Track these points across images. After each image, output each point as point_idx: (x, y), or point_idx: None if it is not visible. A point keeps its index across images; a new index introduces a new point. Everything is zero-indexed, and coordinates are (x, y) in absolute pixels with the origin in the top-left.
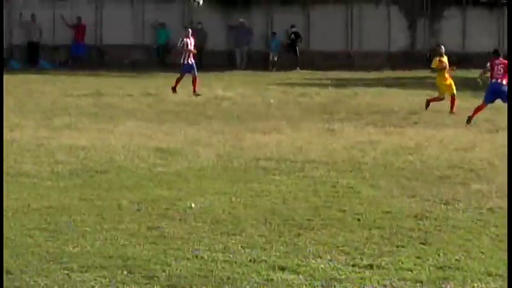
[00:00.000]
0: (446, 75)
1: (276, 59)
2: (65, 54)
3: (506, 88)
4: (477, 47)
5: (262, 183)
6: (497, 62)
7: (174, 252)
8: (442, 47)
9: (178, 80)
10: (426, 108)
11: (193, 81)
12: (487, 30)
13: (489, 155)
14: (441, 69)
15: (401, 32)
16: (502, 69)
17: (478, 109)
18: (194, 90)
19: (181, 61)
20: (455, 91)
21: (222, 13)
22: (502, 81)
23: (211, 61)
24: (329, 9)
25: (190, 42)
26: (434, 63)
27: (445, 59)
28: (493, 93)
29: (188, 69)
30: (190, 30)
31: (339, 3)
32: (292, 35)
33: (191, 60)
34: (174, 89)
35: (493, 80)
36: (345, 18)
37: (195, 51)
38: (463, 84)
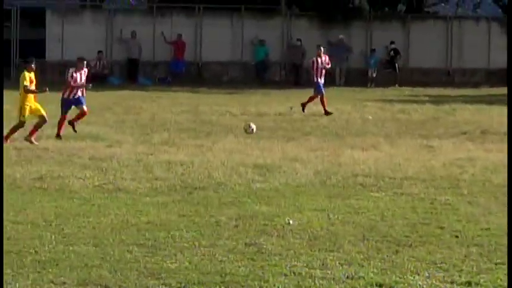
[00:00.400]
0: None
1: (374, 75)
2: (164, 71)
3: None
4: None
5: (360, 199)
6: None
7: (271, 268)
8: None
9: (310, 99)
10: None
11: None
12: None
13: None
14: None
15: (501, 49)
16: None
17: None
18: (324, 111)
19: (314, 80)
20: None
21: (322, 29)
22: None
23: (310, 77)
24: (428, 26)
25: (322, 60)
26: None
27: None
28: None
29: (319, 88)
30: (322, 48)
31: (439, 20)
32: (392, 52)
33: (321, 79)
34: (303, 107)
35: None
36: (444, 35)
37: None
38: None
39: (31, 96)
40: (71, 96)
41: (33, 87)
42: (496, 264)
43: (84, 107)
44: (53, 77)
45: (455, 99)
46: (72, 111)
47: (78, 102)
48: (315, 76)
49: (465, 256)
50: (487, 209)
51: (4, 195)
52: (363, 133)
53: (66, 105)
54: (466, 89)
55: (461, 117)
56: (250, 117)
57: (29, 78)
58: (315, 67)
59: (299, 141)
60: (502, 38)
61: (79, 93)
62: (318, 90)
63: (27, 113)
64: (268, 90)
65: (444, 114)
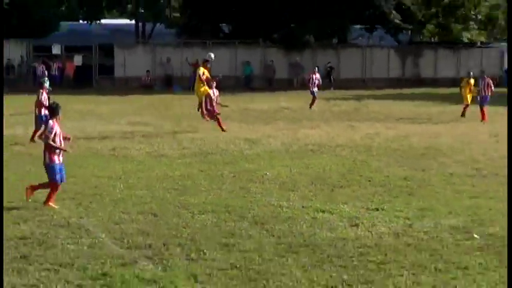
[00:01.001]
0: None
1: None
2: (188, 82)
3: None
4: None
5: (310, 159)
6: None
7: (256, 202)
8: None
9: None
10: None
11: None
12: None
13: (450, 140)
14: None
15: (396, 66)
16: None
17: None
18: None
19: (311, 89)
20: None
21: (285, 55)
22: None
23: (279, 84)
24: (351, 51)
25: (315, 76)
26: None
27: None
28: None
29: (314, 94)
30: (318, 67)
31: (358, 47)
32: (329, 68)
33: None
34: (310, 106)
35: None
36: (361, 57)
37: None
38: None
39: None
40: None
41: None
42: (394, 197)
43: None
44: (119, 87)
45: (368, 97)
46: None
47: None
48: (311, 86)
49: (374, 193)
50: (387, 164)
51: (90, 159)
52: (311, 119)
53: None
54: (374, 90)
55: (372, 108)
56: (244, 110)
57: None
58: (311, 81)
59: (272, 125)
60: (395, 60)
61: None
62: (313, 95)
63: None
64: (252, 94)
65: (362, 107)
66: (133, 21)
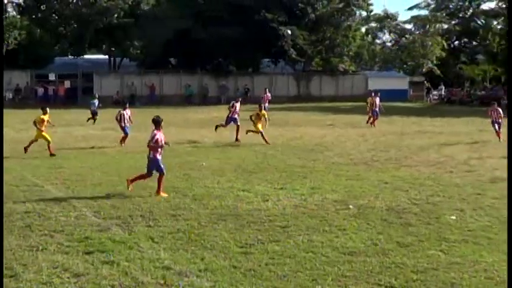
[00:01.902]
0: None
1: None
2: (147, 99)
3: None
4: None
5: (233, 153)
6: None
7: (195, 184)
8: None
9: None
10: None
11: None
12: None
13: (332, 139)
14: None
15: (293, 86)
16: None
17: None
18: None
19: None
20: None
21: (215, 79)
22: None
23: (210, 101)
24: (261, 77)
25: (267, 96)
26: None
27: None
28: None
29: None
30: (266, 88)
31: (266, 74)
32: (246, 89)
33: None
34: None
35: None
36: (269, 81)
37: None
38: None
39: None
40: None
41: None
42: (293, 179)
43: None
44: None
45: (274, 109)
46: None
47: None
48: (264, 104)
49: (279, 177)
50: (288, 156)
51: (76, 154)
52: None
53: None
54: (278, 104)
55: (276, 117)
56: (181, 119)
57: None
58: (265, 99)
59: (206, 129)
60: (293, 83)
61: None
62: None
63: None
64: (192, 107)
65: (269, 116)
66: (107, 56)
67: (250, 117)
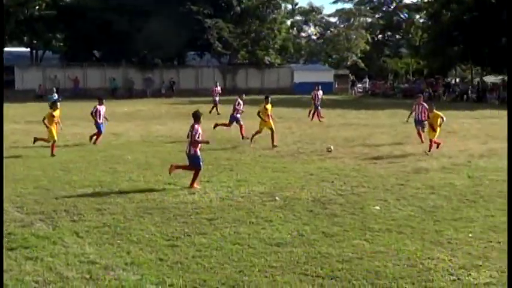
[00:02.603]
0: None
1: (163, 92)
2: (71, 92)
3: None
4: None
5: (159, 147)
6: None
7: (122, 178)
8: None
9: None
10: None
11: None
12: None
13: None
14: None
15: (219, 79)
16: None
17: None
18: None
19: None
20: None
21: (140, 72)
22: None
23: (136, 93)
24: (187, 70)
25: (217, 89)
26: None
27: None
28: None
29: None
30: (217, 82)
31: (193, 67)
32: (172, 82)
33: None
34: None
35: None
36: (194, 74)
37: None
38: None
39: None
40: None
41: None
42: (220, 172)
43: None
44: (19, 97)
45: (200, 101)
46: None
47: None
48: (214, 97)
49: (206, 169)
50: (215, 148)
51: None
52: (160, 117)
53: None
54: (204, 97)
55: (203, 110)
56: (108, 112)
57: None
58: (215, 92)
59: (132, 122)
60: (219, 76)
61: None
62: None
63: None
64: (117, 101)
65: (195, 109)
66: (28, 49)
67: (258, 113)
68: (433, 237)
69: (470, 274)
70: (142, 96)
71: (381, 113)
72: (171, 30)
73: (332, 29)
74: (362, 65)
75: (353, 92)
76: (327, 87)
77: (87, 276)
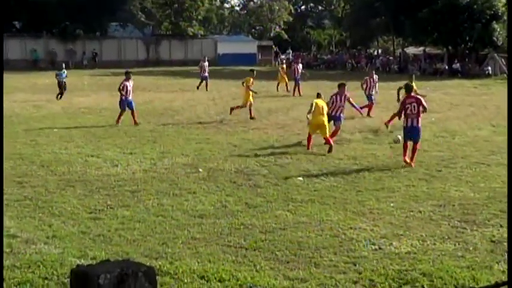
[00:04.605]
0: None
1: (85, 63)
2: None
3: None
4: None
5: (82, 119)
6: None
7: (43, 150)
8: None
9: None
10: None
11: None
12: None
13: (181, 103)
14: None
15: (142, 51)
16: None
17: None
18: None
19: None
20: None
21: (63, 44)
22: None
23: (59, 66)
24: (110, 41)
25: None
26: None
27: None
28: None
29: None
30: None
31: (114, 39)
32: (94, 53)
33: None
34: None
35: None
36: (117, 45)
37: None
38: None
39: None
40: None
41: None
42: (143, 144)
43: None
44: None
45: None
46: None
47: None
48: (201, 72)
49: (129, 141)
50: (140, 120)
51: None
52: (83, 90)
53: None
54: (127, 69)
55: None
56: (30, 84)
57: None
58: (202, 68)
59: (53, 94)
60: (142, 47)
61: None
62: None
63: None
64: (39, 72)
65: (117, 81)
66: None
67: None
68: (355, 207)
69: (391, 243)
70: (68, 68)
71: (304, 84)
72: (92, 0)
73: (255, 0)
74: (285, 36)
75: (276, 63)
76: (250, 58)
77: (8, 250)
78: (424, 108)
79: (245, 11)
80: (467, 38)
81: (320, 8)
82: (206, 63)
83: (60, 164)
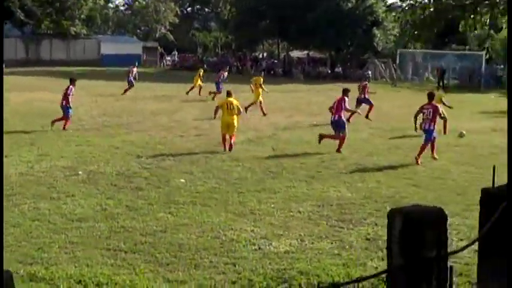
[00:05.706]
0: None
1: None
2: None
3: None
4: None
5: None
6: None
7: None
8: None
9: None
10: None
11: None
12: None
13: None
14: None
15: (21, 50)
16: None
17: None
18: None
19: None
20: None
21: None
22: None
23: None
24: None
25: (134, 71)
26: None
27: None
28: None
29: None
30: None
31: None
32: None
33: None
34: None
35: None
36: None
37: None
38: None
39: None
40: None
41: None
42: (20, 146)
43: None
44: None
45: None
46: None
47: None
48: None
49: (4, 145)
50: (14, 122)
51: None
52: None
53: None
54: (8, 69)
55: (12, 82)
56: None
57: None
58: (131, 73)
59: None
60: (21, 46)
61: None
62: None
63: None
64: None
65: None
66: None
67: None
68: (236, 208)
69: (271, 243)
70: None
71: (189, 87)
72: None
73: (140, 1)
74: (171, 37)
75: (162, 64)
76: (135, 59)
77: None
78: (440, 115)
79: (130, 11)
80: (349, 43)
81: (206, 10)
82: (135, 69)
83: None
